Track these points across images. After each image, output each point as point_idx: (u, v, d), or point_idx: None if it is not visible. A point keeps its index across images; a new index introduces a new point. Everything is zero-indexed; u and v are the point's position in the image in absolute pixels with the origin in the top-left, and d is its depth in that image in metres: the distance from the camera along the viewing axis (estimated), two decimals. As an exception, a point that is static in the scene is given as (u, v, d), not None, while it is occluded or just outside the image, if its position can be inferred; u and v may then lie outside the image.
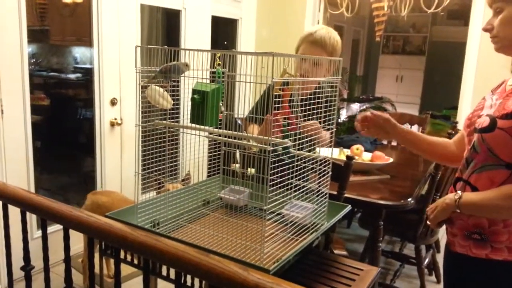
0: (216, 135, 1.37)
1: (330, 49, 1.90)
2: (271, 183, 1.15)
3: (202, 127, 1.30)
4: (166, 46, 1.34)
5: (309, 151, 1.39)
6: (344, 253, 2.18)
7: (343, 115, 6.59)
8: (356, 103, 6.89)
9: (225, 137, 1.36)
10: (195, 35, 3.58)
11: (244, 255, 1.21)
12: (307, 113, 1.35)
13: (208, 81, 1.32)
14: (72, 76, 3.13)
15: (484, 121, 1.19)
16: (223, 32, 4.17)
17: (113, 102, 3.01)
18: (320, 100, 1.36)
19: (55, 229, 2.41)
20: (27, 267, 1.61)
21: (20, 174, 2.55)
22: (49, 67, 3.00)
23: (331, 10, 3.96)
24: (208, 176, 1.70)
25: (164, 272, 1.50)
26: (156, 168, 1.42)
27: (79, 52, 3.16)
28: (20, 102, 2.50)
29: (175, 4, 3.40)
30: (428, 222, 1.36)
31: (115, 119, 3.04)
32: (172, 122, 1.41)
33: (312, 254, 1.53)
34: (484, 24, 1.24)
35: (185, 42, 3.52)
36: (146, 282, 1.30)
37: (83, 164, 3.24)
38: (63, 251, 1.47)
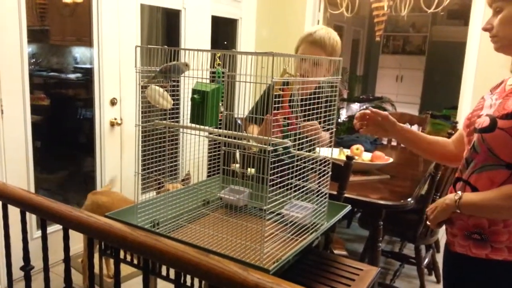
0: (216, 135, 1.37)
1: (330, 49, 1.90)
2: (271, 183, 1.15)
3: (202, 127, 1.30)
4: (166, 46, 1.33)
5: (309, 151, 1.39)
6: (344, 253, 2.18)
7: (343, 115, 6.59)
8: (356, 103, 6.89)
9: (225, 137, 1.36)
10: (195, 35, 3.58)
11: (244, 255, 1.21)
12: (307, 113, 1.35)
13: (208, 81, 1.32)
14: (72, 76, 3.13)
15: (484, 121, 1.19)
16: (223, 32, 4.17)
17: (113, 102, 3.01)
18: (320, 100, 1.36)
19: (54, 229, 2.41)
20: (26, 267, 1.61)
21: (20, 174, 2.55)
22: (49, 67, 3.00)
23: (331, 10, 3.96)
24: (208, 176, 1.70)
25: (164, 272, 1.50)
26: (156, 168, 1.42)
27: (79, 52, 3.16)
28: (20, 102, 2.50)
29: (175, 4, 3.40)
30: (428, 223, 1.36)
31: (115, 119, 3.04)
32: (172, 122, 1.41)
33: (312, 254, 1.53)
34: (484, 24, 1.24)
35: (185, 42, 3.52)
36: (146, 282, 1.30)
37: (83, 164, 3.24)
38: (63, 251, 1.47)
